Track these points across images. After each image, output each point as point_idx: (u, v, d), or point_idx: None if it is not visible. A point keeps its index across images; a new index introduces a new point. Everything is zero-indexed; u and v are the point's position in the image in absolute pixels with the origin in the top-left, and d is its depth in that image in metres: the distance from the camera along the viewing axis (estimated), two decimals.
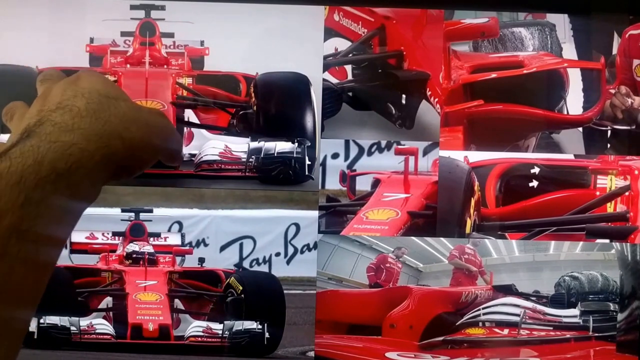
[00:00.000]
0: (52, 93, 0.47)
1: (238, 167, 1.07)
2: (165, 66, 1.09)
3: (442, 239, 1.04)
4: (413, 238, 1.04)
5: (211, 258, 1.07)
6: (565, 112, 1.05)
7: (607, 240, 1.03)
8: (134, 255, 1.08)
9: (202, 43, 1.07)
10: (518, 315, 1.05)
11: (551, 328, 1.04)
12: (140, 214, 1.08)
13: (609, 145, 1.04)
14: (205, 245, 1.07)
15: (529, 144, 1.05)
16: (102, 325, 1.04)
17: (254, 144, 1.06)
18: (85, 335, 1.03)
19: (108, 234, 1.09)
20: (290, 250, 1.07)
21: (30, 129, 0.44)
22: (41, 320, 1.03)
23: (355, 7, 1.04)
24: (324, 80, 1.03)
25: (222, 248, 1.07)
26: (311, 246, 1.05)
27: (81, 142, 0.43)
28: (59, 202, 0.42)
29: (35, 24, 1.04)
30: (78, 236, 1.08)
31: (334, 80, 1.04)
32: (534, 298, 1.06)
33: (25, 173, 0.41)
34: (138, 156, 0.48)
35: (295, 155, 1.05)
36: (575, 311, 1.04)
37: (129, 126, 0.46)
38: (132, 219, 1.08)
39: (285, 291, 1.05)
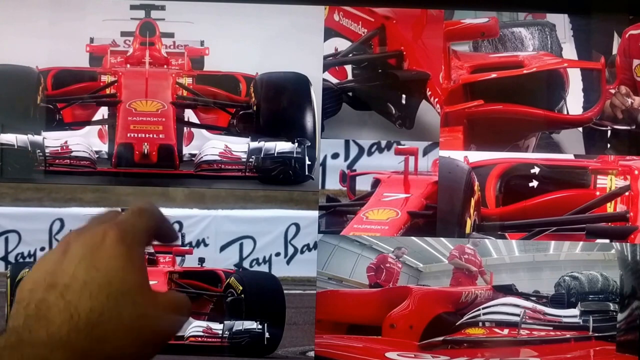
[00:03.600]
0: (28, 277, 0.36)
1: (238, 167, 1.07)
2: (165, 66, 1.09)
3: (442, 239, 1.04)
4: (413, 238, 1.04)
5: (211, 258, 1.07)
6: (565, 112, 1.05)
7: (607, 240, 1.03)
8: None
9: (202, 43, 1.07)
10: (518, 315, 1.05)
11: (551, 328, 1.04)
12: None
13: (609, 145, 1.04)
14: (205, 245, 1.07)
15: (529, 144, 1.05)
16: None
17: (254, 144, 1.06)
18: None
19: None
20: (290, 250, 1.07)
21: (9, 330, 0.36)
22: None
23: (355, 7, 1.04)
24: (324, 80, 1.03)
25: (222, 248, 1.07)
26: (311, 246, 1.05)
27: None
28: None
29: (36, 24, 1.04)
30: None
31: (334, 80, 1.04)
32: (534, 298, 1.05)
33: None
34: None
35: (295, 155, 1.05)
36: (575, 311, 1.04)
37: (125, 345, 0.36)
38: None
39: (285, 291, 1.05)
